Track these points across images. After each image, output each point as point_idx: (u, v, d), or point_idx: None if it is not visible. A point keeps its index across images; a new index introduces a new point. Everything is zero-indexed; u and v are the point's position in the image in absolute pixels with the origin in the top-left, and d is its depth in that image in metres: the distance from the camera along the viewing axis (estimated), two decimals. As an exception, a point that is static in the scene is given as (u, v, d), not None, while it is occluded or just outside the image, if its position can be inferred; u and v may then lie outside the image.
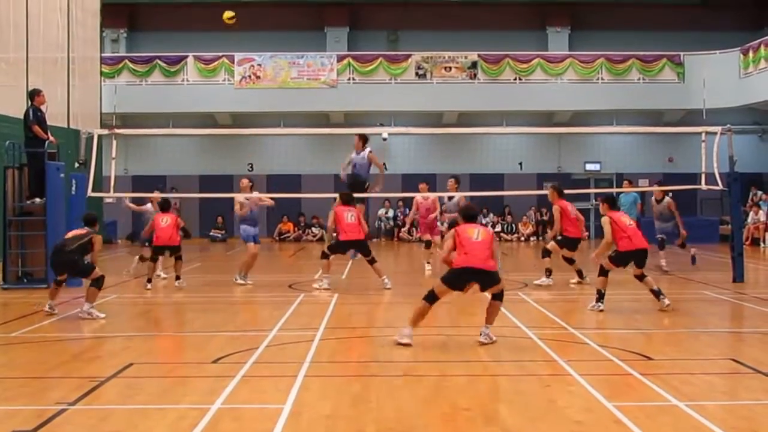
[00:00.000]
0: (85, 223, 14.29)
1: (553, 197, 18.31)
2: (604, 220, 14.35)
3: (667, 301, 14.10)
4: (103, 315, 13.25)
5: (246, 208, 18.72)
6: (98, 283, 13.66)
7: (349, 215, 17.50)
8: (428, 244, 21.76)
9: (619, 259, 14.33)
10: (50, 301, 14.01)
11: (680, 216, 21.80)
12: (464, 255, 11.27)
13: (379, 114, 37.03)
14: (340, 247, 17.80)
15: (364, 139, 19.78)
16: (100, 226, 32.63)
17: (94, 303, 13.62)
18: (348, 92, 36.38)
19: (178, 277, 18.38)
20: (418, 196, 21.86)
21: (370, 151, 19.59)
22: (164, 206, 18.75)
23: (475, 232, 11.51)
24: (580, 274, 18.34)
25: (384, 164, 19.75)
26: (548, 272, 18.15)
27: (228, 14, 19.04)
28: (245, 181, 19.29)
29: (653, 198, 22.37)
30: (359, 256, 18.46)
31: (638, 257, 14.25)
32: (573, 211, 18.17)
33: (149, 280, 17.96)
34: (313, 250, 27.47)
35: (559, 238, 18.06)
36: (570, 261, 18.35)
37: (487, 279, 11.34)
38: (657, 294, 14.20)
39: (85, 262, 13.86)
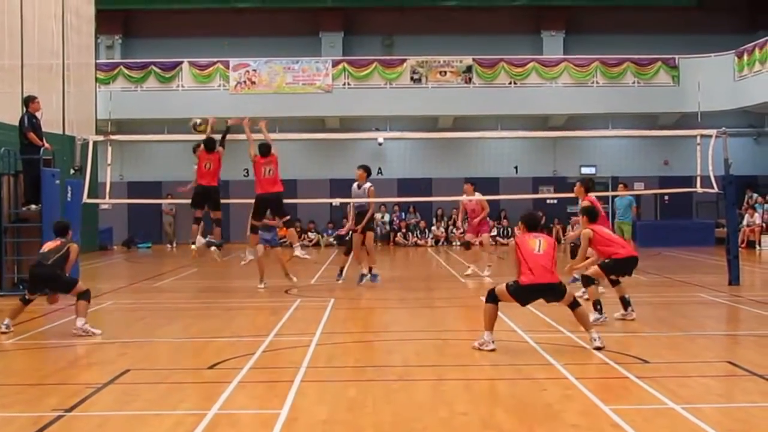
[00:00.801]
0: (57, 232, 13.55)
1: (580, 193, 16.78)
2: (585, 233, 13.66)
3: (633, 315, 13.64)
4: (99, 331, 12.76)
5: None
6: (86, 296, 12.90)
7: None
8: (467, 245, 21.70)
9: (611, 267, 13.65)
10: (8, 320, 13.02)
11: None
12: (529, 272, 10.88)
13: (375, 119, 37.02)
14: None
15: (368, 171, 19.82)
16: (94, 232, 32.84)
17: (86, 317, 13.02)
18: (343, 97, 36.39)
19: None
20: (463, 198, 21.62)
21: (371, 186, 19.53)
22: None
23: (537, 244, 11.06)
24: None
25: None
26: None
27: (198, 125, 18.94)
28: None
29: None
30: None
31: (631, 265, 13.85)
32: (599, 208, 16.28)
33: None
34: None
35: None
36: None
37: (553, 293, 11.05)
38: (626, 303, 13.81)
39: (66, 275, 13.12)
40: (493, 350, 10.78)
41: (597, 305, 13.30)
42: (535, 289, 10.98)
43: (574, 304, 11.17)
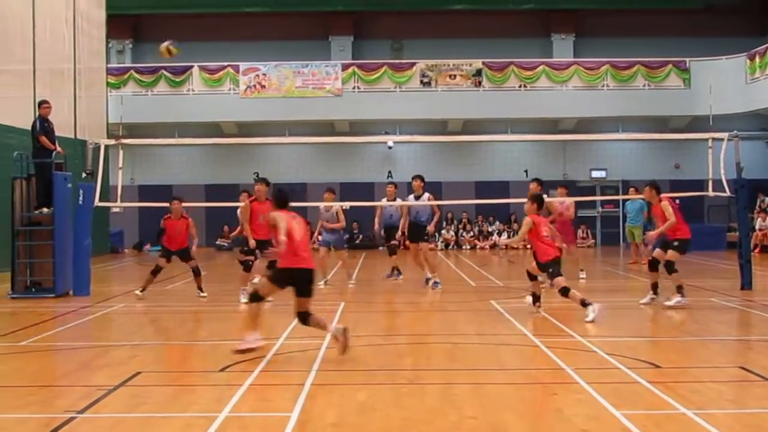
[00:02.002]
0: None
1: (651, 196, 16.21)
2: (526, 221, 14.45)
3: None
4: None
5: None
6: None
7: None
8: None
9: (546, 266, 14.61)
10: None
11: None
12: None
13: (384, 122, 37.08)
14: None
15: (423, 180, 20.03)
16: (106, 235, 32.91)
17: None
18: (353, 101, 36.42)
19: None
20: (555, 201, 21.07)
21: (431, 195, 19.99)
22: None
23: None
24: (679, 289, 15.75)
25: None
26: (680, 289, 15.68)
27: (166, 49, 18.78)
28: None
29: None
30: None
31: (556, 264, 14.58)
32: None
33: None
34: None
35: (675, 243, 15.93)
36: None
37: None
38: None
39: None
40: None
41: (680, 289, 15.25)
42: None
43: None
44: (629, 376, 9.49)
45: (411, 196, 19.99)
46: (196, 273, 18.07)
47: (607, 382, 9.20)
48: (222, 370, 10.09)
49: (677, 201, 16.93)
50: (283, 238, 10.64)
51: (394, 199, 20.43)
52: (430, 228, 19.76)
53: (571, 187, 35.43)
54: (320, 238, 20.50)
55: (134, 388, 9.20)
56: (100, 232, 28.84)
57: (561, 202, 20.87)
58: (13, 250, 18.44)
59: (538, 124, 37.41)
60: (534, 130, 37.02)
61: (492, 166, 38.23)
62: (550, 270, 14.41)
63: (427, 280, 19.65)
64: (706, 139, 20.21)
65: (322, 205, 20.59)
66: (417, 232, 19.56)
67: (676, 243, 15.91)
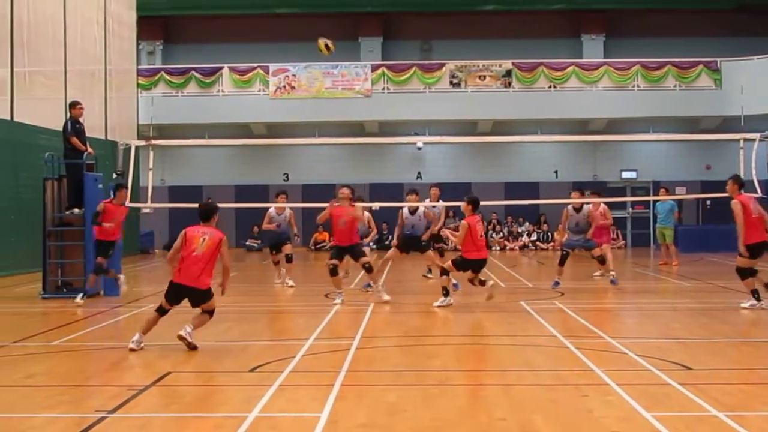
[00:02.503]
0: None
1: (734, 191, 15.38)
2: (463, 224, 15.34)
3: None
4: None
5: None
6: None
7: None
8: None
9: (462, 264, 15.46)
10: None
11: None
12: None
13: (414, 123, 37.08)
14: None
15: (441, 189, 21.22)
16: (136, 236, 33.07)
17: None
18: (382, 102, 36.44)
19: None
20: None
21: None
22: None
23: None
24: (756, 295, 15.26)
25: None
26: (755, 293, 15.21)
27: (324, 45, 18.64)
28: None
29: (570, 207, 19.76)
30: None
31: (478, 265, 15.56)
32: (756, 208, 15.26)
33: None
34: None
35: (741, 248, 15.06)
36: (750, 272, 15.33)
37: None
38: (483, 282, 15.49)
39: None
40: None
41: (755, 293, 14.97)
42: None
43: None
44: (660, 378, 9.43)
45: (405, 210, 19.23)
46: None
47: (637, 384, 9.15)
48: (252, 370, 10.11)
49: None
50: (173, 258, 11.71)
51: (416, 210, 19.09)
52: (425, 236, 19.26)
53: (601, 188, 35.50)
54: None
55: (165, 388, 9.24)
56: (130, 232, 29.02)
57: (597, 209, 20.65)
58: (44, 250, 18.56)
59: (568, 124, 37.30)
60: (564, 131, 36.92)
61: (522, 167, 38.16)
62: (465, 270, 14.81)
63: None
64: (738, 140, 20.06)
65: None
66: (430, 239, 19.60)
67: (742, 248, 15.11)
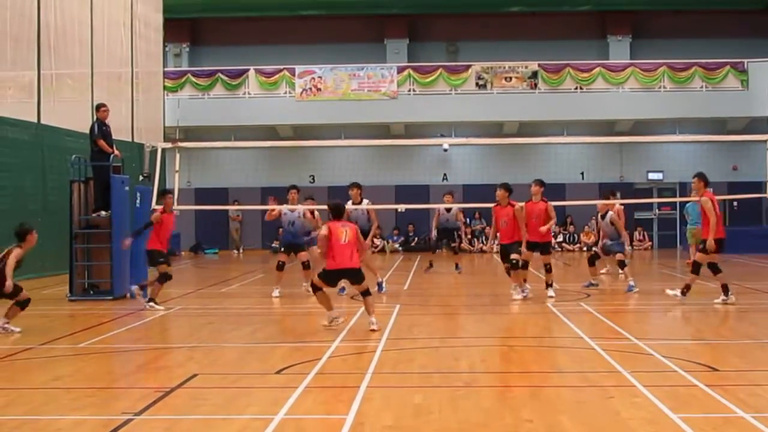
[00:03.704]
0: (17, 236, 13.70)
1: (699, 187, 16.32)
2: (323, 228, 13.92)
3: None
4: (18, 329, 13.44)
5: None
6: (21, 303, 13.51)
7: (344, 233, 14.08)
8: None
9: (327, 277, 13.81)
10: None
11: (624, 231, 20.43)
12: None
13: (440, 125, 37.06)
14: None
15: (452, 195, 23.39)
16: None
17: (9, 319, 13.48)
18: (408, 103, 36.43)
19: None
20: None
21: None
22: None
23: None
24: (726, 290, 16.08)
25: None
26: (726, 289, 16.00)
27: None
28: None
29: (598, 215, 20.37)
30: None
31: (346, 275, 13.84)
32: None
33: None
34: (375, 261, 27.40)
35: (700, 246, 16.12)
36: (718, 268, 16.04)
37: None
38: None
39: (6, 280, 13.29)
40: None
41: (726, 289, 15.85)
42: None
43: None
44: (686, 379, 9.39)
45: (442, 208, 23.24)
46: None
47: (664, 386, 9.12)
48: (278, 372, 10.14)
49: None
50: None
51: (450, 209, 22.96)
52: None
53: (627, 189, 35.39)
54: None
55: (191, 390, 9.27)
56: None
57: (614, 211, 20.37)
58: (71, 252, 18.65)
59: (595, 126, 37.15)
60: (590, 132, 36.76)
61: (548, 168, 37.93)
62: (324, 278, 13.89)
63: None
64: (764, 141, 19.96)
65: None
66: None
67: (701, 246, 16.17)
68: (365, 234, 18.07)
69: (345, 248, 13.28)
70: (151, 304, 16.27)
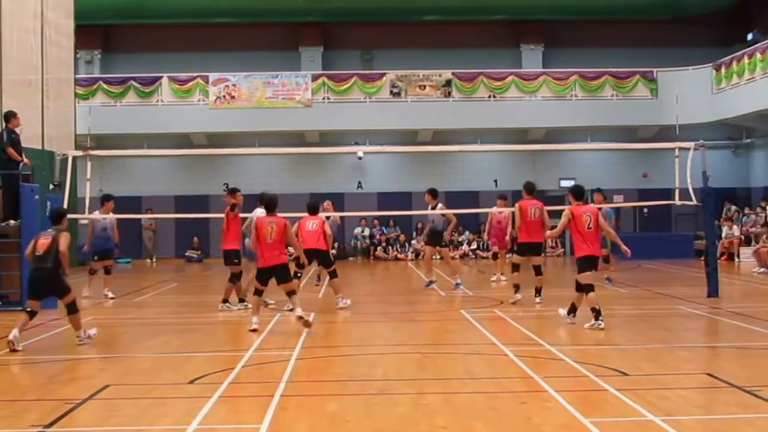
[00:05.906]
0: (51, 220, 13.56)
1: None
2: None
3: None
4: (94, 331, 13.34)
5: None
6: (73, 308, 13.17)
7: (311, 224, 17.89)
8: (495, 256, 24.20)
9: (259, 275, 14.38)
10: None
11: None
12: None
13: (354, 133, 37.06)
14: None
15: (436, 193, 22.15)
16: (74, 247, 32.66)
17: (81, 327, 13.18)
18: (323, 111, 36.38)
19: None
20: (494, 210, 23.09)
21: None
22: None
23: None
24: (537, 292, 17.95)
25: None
26: (517, 288, 17.76)
27: None
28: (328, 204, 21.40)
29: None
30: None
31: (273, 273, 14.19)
32: (533, 213, 17.96)
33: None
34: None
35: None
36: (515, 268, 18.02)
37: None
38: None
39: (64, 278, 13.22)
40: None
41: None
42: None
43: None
44: (598, 384, 9.54)
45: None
46: None
47: (576, 390, 9.25)
48: (192, 382, 10.06)
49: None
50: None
51: (435, 207, 21.82)
52: (446, 235, 22.09)
53: (540, 197, 35.70)
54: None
55: (104, 401, 9.15)
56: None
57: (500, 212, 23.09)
58: (-21, 262, 18.28)
59: (508, 133, 37.45)
60: (504, 140, 37.04)
61: (462, 176, 38.28)
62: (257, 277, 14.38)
63: (429, 282, 21.61)
64: (673, 149, 20.35)
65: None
66: (435, 238, 21.78)
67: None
68: (441, 234, 21.38)
69: (272, 246, 13.82)
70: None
